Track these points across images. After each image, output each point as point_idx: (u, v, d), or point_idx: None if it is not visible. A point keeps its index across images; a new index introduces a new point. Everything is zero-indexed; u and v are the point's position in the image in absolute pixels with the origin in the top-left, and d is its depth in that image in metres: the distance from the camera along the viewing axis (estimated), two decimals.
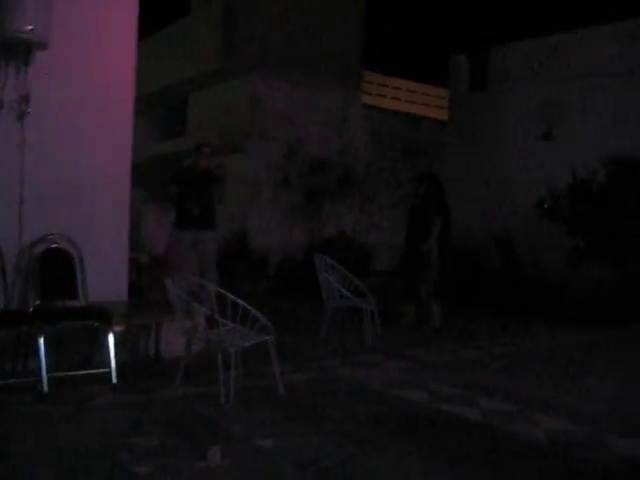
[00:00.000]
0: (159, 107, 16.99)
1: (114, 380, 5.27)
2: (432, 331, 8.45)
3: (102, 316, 5.42)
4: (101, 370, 5.39)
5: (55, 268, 5.71)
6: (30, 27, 5.32)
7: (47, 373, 4.93)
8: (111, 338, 5.38)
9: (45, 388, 4.89)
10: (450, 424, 4.68)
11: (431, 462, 3.94)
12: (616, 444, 4.33)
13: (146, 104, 14.90)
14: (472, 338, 8.07)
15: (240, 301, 4.86)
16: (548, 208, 10.44)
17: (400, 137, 15.39)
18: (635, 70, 11.93)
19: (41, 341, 4.96)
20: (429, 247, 8.43)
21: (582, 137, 12.36)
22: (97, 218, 6.06)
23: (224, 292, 4.85)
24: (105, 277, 5.98)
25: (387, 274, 12.83)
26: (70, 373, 5.33)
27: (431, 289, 8.55)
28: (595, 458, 4.09)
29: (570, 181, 10.53)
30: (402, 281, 9.19)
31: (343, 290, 7.53)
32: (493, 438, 4.42)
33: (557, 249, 10.64)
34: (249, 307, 4.92)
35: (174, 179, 7.76)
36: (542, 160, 12.87)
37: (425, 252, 8.45)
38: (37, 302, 5.53)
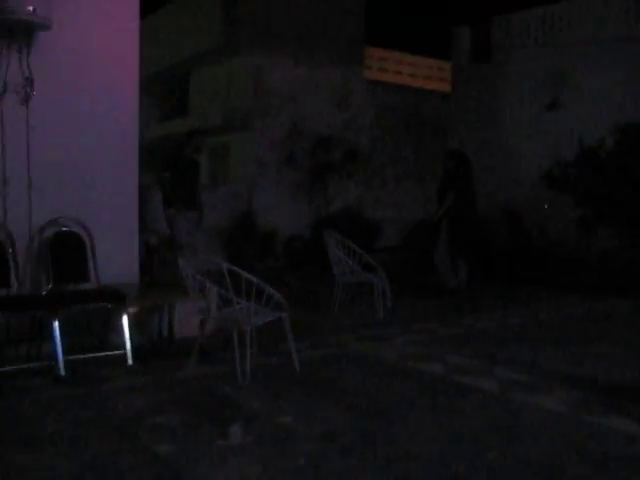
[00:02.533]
0: (161, 86, 16.89)
1: (130, 362, 5.28)
2: (448, 292, 8.95)
3: (115, 298, 5.41)
4: (116, 352, 5.40)
5: (66, 251, 5.69)
6: (31, 8, 5.26)
7: (63, 356, 4.93)
8: (125, 320, 5.38)
9: (62, 371, 4.90)
10: (467, 395, 4.68)
11: (450, 433, 3.93)
12: (637, 413, 4.32)
13: (148, 84, 14.82)
14: (484, 310, 8.05)
15: (254, 278, 4.84)
16: (556, 178, 10.38)
17: (404, 111, 15.32)
18: None
19: (56, 325, 4.96)
20: (438, 218, 8.98)
21: (588, 106, 12.26)
22: (106, 200, 6.02)
23: (238, 270, 4.83)
24: (116, 259, 5.96)
25: (394, 248, 12.81)
26: (85, 356, 5.33)
27: (445, 257, 9.03)
28: (617, 427, 4.08)
29: (577, 151, 10.46)
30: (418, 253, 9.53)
31: (354, 265, 7.52)
32: (509, 409, 4.41)
33: (566, 219, 10.61)
34: (263, 284, 4.90)
35: (166, 167, 8.34)
36: (548, 130, 12.79)
37: (436, 224, 9.00)
38: (50, 286, 5.52)
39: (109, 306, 5.49)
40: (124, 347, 5.33)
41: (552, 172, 10.51)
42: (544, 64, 13.17)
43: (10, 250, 5.41)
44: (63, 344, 4.96)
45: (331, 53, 14.13)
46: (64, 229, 5.73)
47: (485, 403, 4.52)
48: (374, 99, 14.89)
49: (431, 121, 15.66)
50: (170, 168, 8.22)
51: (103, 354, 5.45)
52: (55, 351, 4.93)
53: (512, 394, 4.69)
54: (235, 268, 4.85)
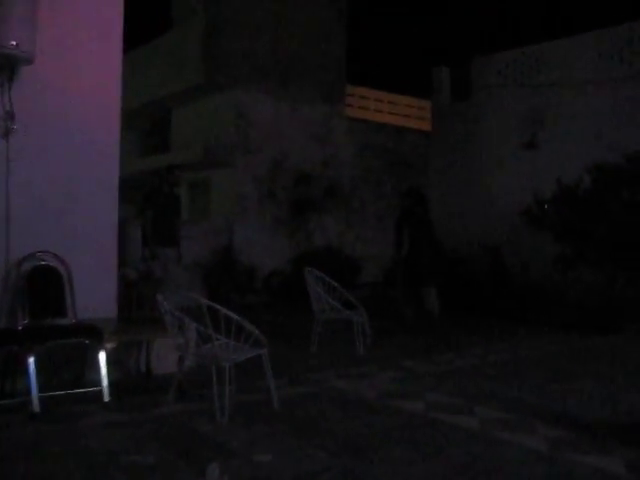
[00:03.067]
0: (143, 122, 16.91)
1: (106, 398, 5.19)
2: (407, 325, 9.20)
3: (92, 334, 5.34)
4: (92, 388, 5.30)
5: (43, 286, 5.62)
6: (14, 42, 5.26)
7: (38, 393, 4.84)
8: (102, 356, 5.30)
9: (36, 408, 4.80)
10: (448, 433, 4.64)
11: (430, 472, 3.89)
12: (620, 451, 4.30)
13: (129, 119, 14.83)
14: (464, 346, 8.04)
15: (234, 315, 4.80)
16: (534, 215, 10.48)
17: (384, 149, 15.44)
18: (617, 78, 12.06)
19: (31, 360, 4.88)
20: (400, 257, 9.30)
21: (566, 145, 12.47)
22: (85, 234, 5.98)
23: (217, 306, 4.79)
24: (94, 294, 5.89)
25: (375, 285, 12.81)
26: (61, 392, 5.22)
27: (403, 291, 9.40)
28: (599, 466, 4.05)
29: (555, 189, 10.59)
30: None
31: (334, 302, 7.49)
32: (491, 446, 4.38)
33: (545, 256, 10.69)
34: (242, 321, 4.86)
35: (148, 202, 8.47)
36: (527, 168, 12.96)
37: (398, 261, 9.38)
38: (26, 321, 5.43)
39: (86, 342, 5.41)
40: (101, 383, 5.24)
41: (531, 209, 10.63)
42: (522, 104, 13.40)
43: None
44: (38, 380, 4.87)
45: (313, 90, 14.26)
46: (42, 263, 5.66)
47: (466, 441, 4.48)
48: (355, 137, 15.01)
49: (411, 159, 15.79)
50: (150, 203, 8.20)
51: (79, 391, 5.35)
52: (30, 387, 4.83)
53: (493, 432, 4.66)
54: (214, 304, 4.82)
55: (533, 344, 8.31)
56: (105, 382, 5.24)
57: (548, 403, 5.47)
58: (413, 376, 6.45)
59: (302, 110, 14.06)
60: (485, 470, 3.95)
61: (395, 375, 6.47)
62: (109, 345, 5.49)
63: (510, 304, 10.44)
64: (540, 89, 13.15)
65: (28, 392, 4.84)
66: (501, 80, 14.05)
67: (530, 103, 13.26)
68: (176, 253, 8.33)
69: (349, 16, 15.32)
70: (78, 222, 5.95)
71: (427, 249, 9.23)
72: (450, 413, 5.11)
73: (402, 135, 15.94)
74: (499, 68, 14.13)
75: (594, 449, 4.32)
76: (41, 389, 4.89)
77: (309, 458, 4.10)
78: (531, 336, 8.81)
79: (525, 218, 10.69)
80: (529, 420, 4.93)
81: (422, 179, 15.53)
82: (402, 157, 15.65)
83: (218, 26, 13.54)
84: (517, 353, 7.75)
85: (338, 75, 14.92)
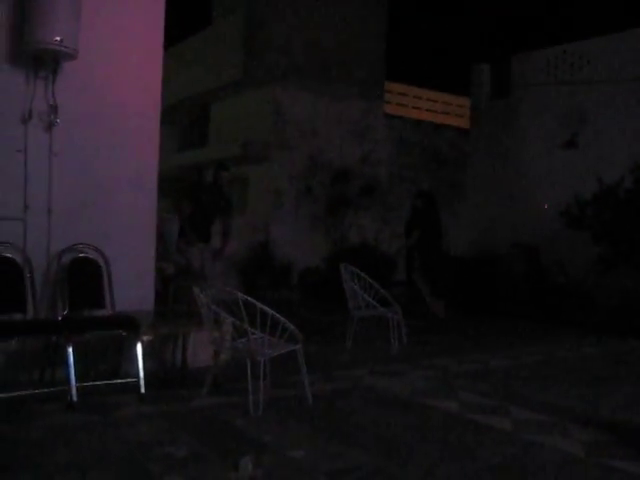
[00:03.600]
0: (181, 117, 17.07)
1: (142, 390, 5.25)
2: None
3: (130, 325, 5.42)
4: (129, 380, 5.38)
5: (82, 277, 5.72)
6: (58, 38, 5.35)
7: (75, 382, 4.93)
8: (139, 348, 5.37)
9: (74, 397, 4.88)
10: (480, 433, 4.62)
11: (462, 472, 3.88)
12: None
13: (169, 114, 14.99)
14: (498, 347, 7.98)
15: (269, 310, 4.83)
16: (574, 215, 10.34)
17: (422, 146, 15.37)
18: None
19: (70, 350, 4.96)
20: (408, 251, 9.93)
21: (607, 144, 12.25)
22: (124, 227, 6.07)
23: (253, 300, 4.82)
24: (132, 286, 5.97)
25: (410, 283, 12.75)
26: (98, 383, 5.32)
27: (419, 289, 9.80)
28: (636, 472, 4.00)
29: (595, 189, 10.43)
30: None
31: (369, 299, 7.49)
32: (524, 448, 4.35)
33: (584, 257, 10.53)
34: (278, 316, 4.89)
35: (186, 196, 8.26)
36: (566, 167, 12.77)
37: (407, 256, 10.02)
38: (65, 312, 5.53)
39: (123, 333, 5.49)
40: (137, 375, 5.31)
41: (570, 209, 10.48)
42: (563, 102, 13.20)
43: (28, 275, 5.44)
44: (76, 370, 4.95)
45: (351, 87, 14.24)
46: (81, 255, 5.76)
47: (499, 441, 4.45)
48: (392, 133, 14.97)
49: (449, 156, 15.69)
50: (188, 198, 8.20)
51: (116, 382, 5.43)
52: (68, 377, 4.92)
53: (526, 434, 4.62)
54: (250, 299, 4.85)
55: (568, 346, 8.21)
56: (141, 374, 5.30)
57: (583, 406, 5.40)
58: (447, 375, 6.42)
59: (340, 107, 14.06)
60: (518, 472, 3.92)
61: (429, 374, 6.44)
62: (145, 337, 5.56)
63: (546, 305, 10.31)
64: (581, 87, 12.94)
65: (66, 382, 4.92)
66: (542, 78, 13.85)
67: (571, 101, 13.06)
68: (210, 249, 8.28)
69: (389, 12, 15.27)
70: (117, 216, 6.03)
71: (436, 255, 9.73)
72: (483, 413, 5.08)
73: (440, 132, 15.85)
74: (540, 65, 13.94)
75: (630, 455, 4.26)
76: (79, 379, 4.97)
77: (341, 455, 4.11)
78: (566, 338, 8.71)
79: (564, 218, 10.54)
80: (563, 423, 4.88)
81: (460, 176, 15.42)
82: (439, 154, 15.56)
83: (257, 22, 13.62)
84: (552, 355, 7.66)
85: (377, 72, 14.88)
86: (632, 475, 3.93)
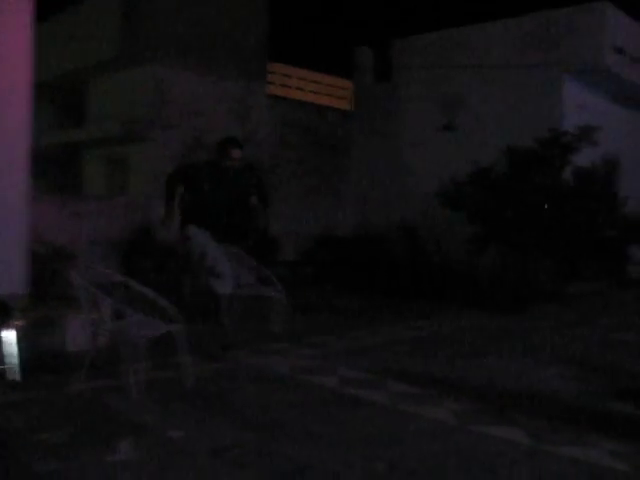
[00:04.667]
0: (58, 95, 16.39)
1: (17, 377, 5.07)
2: None
3: (2, 310, 5.21)
4: (2, 366, 5.17)
5: None
6: None
7: None
8: (12, 333, 5.17)
9: None
10: (359, 407, 4.76)
11: (342, 445, 3.99)
12: (523, 422, 4.51)
13: (44, 90, 14.37)
14: (379, 324, 8.20)
15: (148, 291, 4.77)
16: (450, 196, 10.72)
17: (305, 127, 15.46)
18: (532, 64, 12.43)
19: None
20: None
21: (482, 128, 12.78)
22: None
23: (131, 282, 4.75)
24: (3, 269, 5.74)
25: (294, 263, 12.87)
26: None
27: None
28: (504, 436, 4.24)
29: (471, 171, 10.86)
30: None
31: (251, 279, 7.50)
32: (398, 419, 4.52)
33: (461, 237, 10.97)
34: (156, 297, 4.84)
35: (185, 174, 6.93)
36: (444, 150, 13.23)
37: None
38: None
39: None
40: (11, 361, 5.12)
41: (447, 190, 10.86)
42: (441, 86, 13.64)
43: None
44: None
45: (234, 67, 14.11)
46: None
47: (376, 414, 4.61)
48: (276, 114, 14.98)
49: (332, 138, 15.88)
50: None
51: None
52: None
53: (403, 405, 4.81)
54: (128, 280, 4.77)
55: (445, 322, 8.54)
56: (15, 360, 5.12)
57: (456, 377, 5.67)
58: (329, 352, 6.55)
59: (222, 86, 13.92)
60: (388, 441, 4.08)
61: (310, 352, 6.55)
62: (19, 322, 5.36)
63: (427, 284, 10.67)
64: (459, 72, 13.41)
65: None
66: (421, 62, 14.25)
67: (449, 86, 13.51)
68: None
69: None
70: None
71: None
72: (362, 388, 5.23)
73: (323, 114, 15.99)
74: (419, 50, 14.33)
75: (498, 420, 4.52)
76: None
77: (222, 433, 4.13)
78: (444, 314, 9.05)
79: (441, 199, 10.92)
80: (438, 394, 5.10)
81: (344, 159, 15.65)
82: (323, 136, 15.72)
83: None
84: (430, 330, 7.96)
85: (259, 52, 14.81)
86: (500, 438, 4.16)
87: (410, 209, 13.12)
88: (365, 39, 18.15)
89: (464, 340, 7.47)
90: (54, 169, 14.93)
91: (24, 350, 5.40)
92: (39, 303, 6.02)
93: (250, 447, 3.91)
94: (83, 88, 15.48)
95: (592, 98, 12.96)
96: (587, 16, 12.09)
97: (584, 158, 10.89)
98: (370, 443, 4.04)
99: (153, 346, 5.14)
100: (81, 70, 14.70)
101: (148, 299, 4.83)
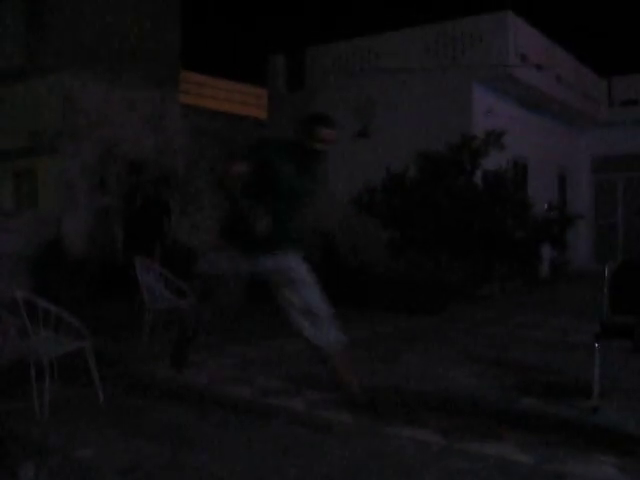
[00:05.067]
0: None
1: None
2: None
3: None
4: None
5: None
6: None
7: None
8: None
9: None
10: (274, 416, 4.73)
11: (258, 454, 3.96)
12: (434, 421, 4.57)
13: None
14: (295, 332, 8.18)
15: (53, 307, 4.62)
16: (364, 202, 10.85)
17: (220, 137, 15.36)
18: (440, 70, 12.74)
19: None
20: None
21: (396, 134, 13.00)
22: None
23: (35, 298, 4.59)
24: None
25: (212, 275, 12.73)
26: None
27: None
28: (415, 437, 4.29)
29: (384, 177, 11.02)
30: None
31: (165, 291, 7.39)
32: (312, 426, 4.52)
33: (376, 242, 11.10)
34: (62, 313, 4.69)
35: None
36: (359, 157, 13.37)
37: None
38: None
39: None
40: None
41: (361, 197, 10.99)
42: (354, 93, 13.80)
43: None
44: None
45: (146, 75, 13.88)
46: None
47: (289, 423, 4.59)
48: (189, 124, 14.82)
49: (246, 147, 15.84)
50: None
51: None
52: None
53: (317, 411, 4.81)
54: (31, 297, 4.62)
55: (363, 326, 8.60)
56: None
57: (373, 382, 5.71)
58: (245, 362, 6.51)
59: (134, 96, 13.68)
60: (306, 449, 4.07)
61: (227, 362, 6.50)
62: None
63: (343, 288, 10.72)
64: (371, 79, 13.60)
65: None
66: (335, 70, 14.39)
67: (361, 93, 13.68)
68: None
69: (185, 2, 15.06)
70: None
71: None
72: (277, 397, 5.22)
73: (237, 123, 15.92)
74: (333, 58, 14.47)
75: (410, 421, 4.57)
76: None
77: (133, 451, 4.03)
78: (362, 318, 9.12)
79: (356, 206, 11.03)
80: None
81: None
82: (238, 145, 15.65)
83: (42, 4, 12.87)
84: (347, 336, 7.99)
85: (172, 60, 14.63)
86: (410, 438, 4.21)
87: (328, 216, 13.19)
88: (279, 47, 18.21)
89: (381, 343, 7.55)
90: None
91: None
92: None
93: (163, 464, 3.83)
94: None
95: (501, 103, 13.37)
96: (490, 24, 12.48)
97: (494, 162, 11.21)
98: (285, 450, 4.02)
99: (65, 364, 5.00)
100: None
101: (54, 315, 4.67)
